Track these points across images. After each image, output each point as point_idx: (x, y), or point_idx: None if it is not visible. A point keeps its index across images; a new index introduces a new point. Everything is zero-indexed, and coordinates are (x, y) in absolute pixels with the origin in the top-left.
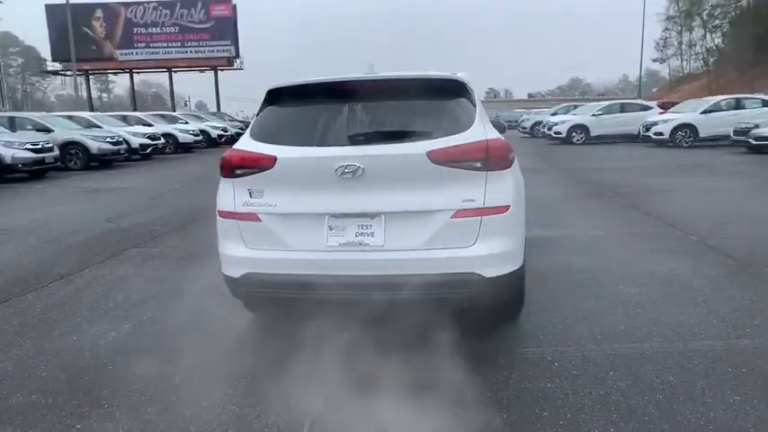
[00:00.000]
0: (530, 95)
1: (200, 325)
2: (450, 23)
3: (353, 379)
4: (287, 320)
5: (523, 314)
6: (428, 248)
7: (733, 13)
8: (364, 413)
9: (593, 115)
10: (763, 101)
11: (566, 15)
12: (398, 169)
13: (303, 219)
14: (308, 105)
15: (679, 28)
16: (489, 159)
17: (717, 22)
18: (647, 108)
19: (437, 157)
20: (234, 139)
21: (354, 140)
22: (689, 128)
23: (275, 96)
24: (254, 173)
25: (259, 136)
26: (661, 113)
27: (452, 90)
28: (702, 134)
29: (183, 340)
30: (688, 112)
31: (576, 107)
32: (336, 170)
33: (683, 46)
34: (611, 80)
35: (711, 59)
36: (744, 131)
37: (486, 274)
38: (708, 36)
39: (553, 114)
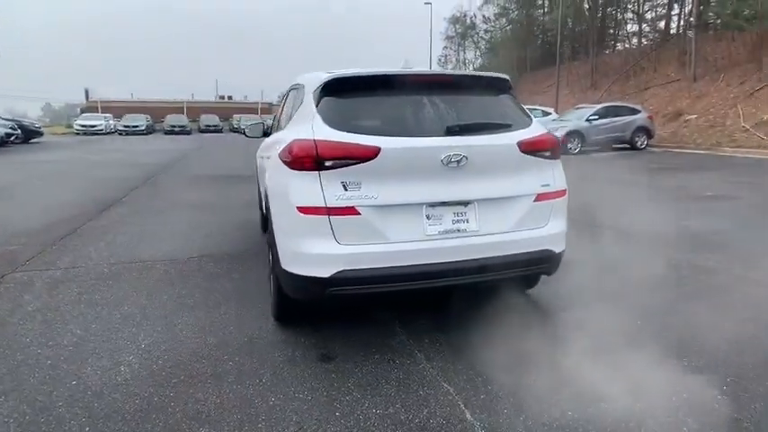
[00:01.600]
0: None
1: None
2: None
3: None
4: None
5: None
6: (515, 230)
7: (499, 37)
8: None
9: (588, 120)
10: (543, 111)
11: (345, 25)
12: (495, 158)
13: (402, 209)
14: (385, 96)
15: (456, 47)
16: (555, 149)
17: (482, 44)
18: (636, 111)
19: (526, 148)
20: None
21: (451, 131)
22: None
23: (344, 86)
24: (351, 164)
25: (340, 125)
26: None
27: (503, 87)
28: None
29: None
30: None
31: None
32: (442, 160)
33: (460, 63)
34: None
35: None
36: None
37: (556, 249)
38: (477, 55)
39: None
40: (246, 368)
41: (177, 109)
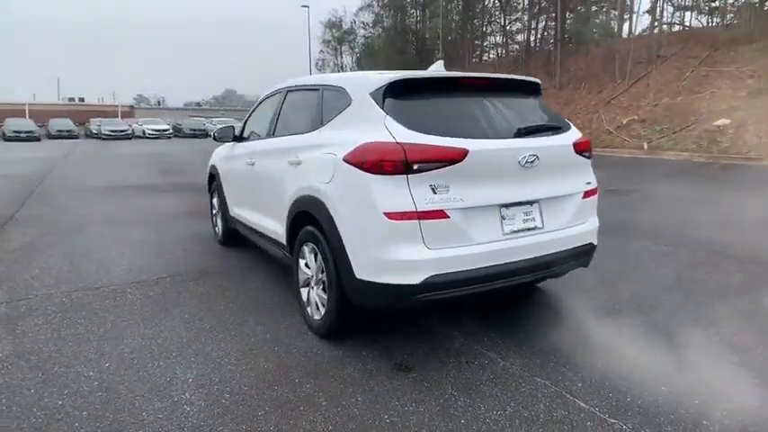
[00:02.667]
0: (186, 105)
1: None
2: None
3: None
4: None
5: None
6: (569, 226)
7: (377, 43)
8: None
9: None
10: None
11: (220, 29)
12: (557, 158)
13: (483, 211)
14: (448, 98)
15: (333, 51)
16: (591, 150)
17: (358, 50)
18: None
19: (578, 148)
20: None
21: (521, 133)
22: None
23: (408, 88)
24: (440, 167)
25: (418, 127)
26: None
27: (537, 90)
28: None
29: None
30: None
31: None
32: (519, 161)
33: (338, 68)
34: (262, 93)
35: None
36: None
37: (595, 242)
38: (353, 60)
39: None
40: (329, 388)
41: (17, 112)
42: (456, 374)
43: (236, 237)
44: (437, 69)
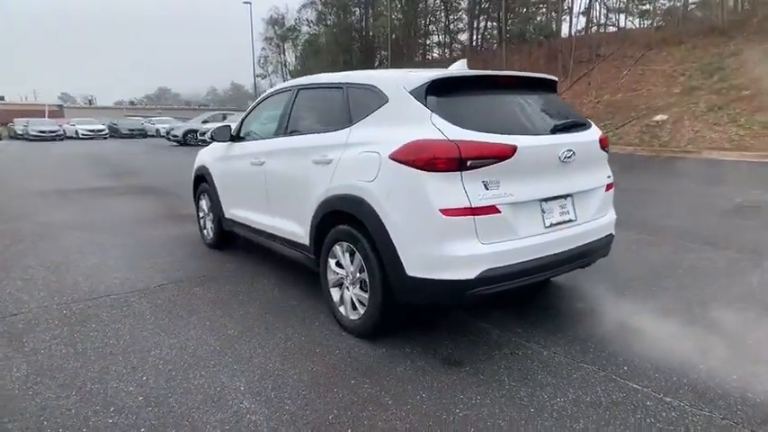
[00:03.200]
0: (116, 104)
1: None
2: None
3: None
4: None
5: None
6: (595, 218)
7: (322, 41)
8: None
9: (204, 122)
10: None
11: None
12: (587, 153)
13: (527, 206)
14: (486, 95)
15: (276, 48)
16: (608, 145)
17: (300, 47)
18: None
19: (602, 144)
20: None
21: (557, 129)
22: (195, 132)
23: (449, 85)
24: (491, 163)
25: (466, 124)
26: None
27: (555, 87)
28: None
29: None
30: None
31: (225, 116)
32: (560, 156)
33: (281, 65)
34: (199, 91)
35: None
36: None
37: (614, 233)
38: (296, 58)
39: (204, 122)
40: (389, 386)
41: None
42: (506, 365)
43: (230, 240)
44: (460, 68)
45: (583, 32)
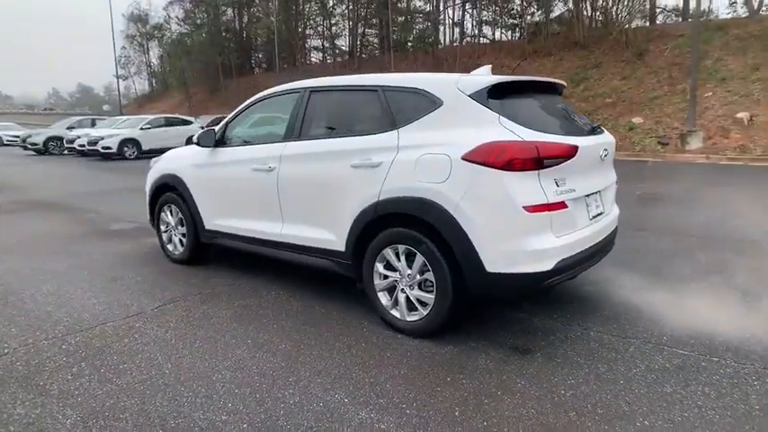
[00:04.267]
0: None
1: None
2: None
3: None
4: None
5: None
6: (611, 211)
7: (194, 41)
8: None
9: (142, 129)
10: (183, 120)
11: None
12: (611, 153)
13: (580, 200)
14: (532, 99)
15: (140, 47)
16: None
17: (168, 47)
18: (188, 122)
19: (614, 145)
20: None
21: (593, 131)
22: (59, 139)
23: (505, 90)
24: (561, 162)
25: (531, 126)
26: (202, 128)
27: (562, 92)
28: (145, 147)
29: None
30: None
31: (94, 122)
32: (600, 155)
33: (145, 65)
34: (34, 94)
35: (180, 80)
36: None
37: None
38: (163, 57)
39: (69, 128)
40: (486, 380)
41: None
42: (570, 348)
43: (204, 253)
44: (484, 73)
45: (456, 42)
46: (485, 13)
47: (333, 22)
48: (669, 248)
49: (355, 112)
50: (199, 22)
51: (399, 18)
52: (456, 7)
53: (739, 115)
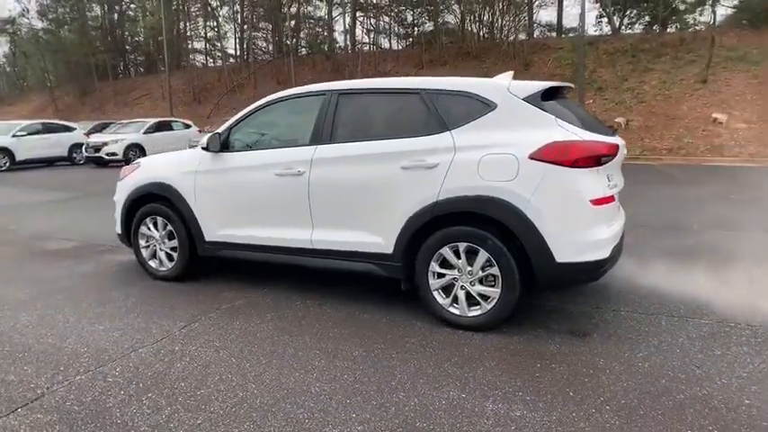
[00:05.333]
0: None
1: None
2: None
3: None
4: None
5: None
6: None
7: (57, 40)
8: None
9: (15, 136)
10: (65, 126)
11: None
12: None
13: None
14: (563, 102)
15: None
16: None
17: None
18: (70, 129)
19: None
20: None
21: (613, 132)
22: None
23: (549, 94)
24: (610, 160)
25: (581, 126)
26: (86, 134)
27: None
28: (20, 158)
29: None
30: None
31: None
32: (624, 154)
33: None
34: None
35: (42, 81)
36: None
37: None
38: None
39: None
40: (572, 365)
41: None
42: (615, 328)
43: (199, 268)
44: (506, 78)
45: (348, 50)
46: (375, 21)
47: (216, 23)
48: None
49: (395, 114)
50: (61, 17)
51: (290, 23)
52: (347, 14)
53: (617, 120)
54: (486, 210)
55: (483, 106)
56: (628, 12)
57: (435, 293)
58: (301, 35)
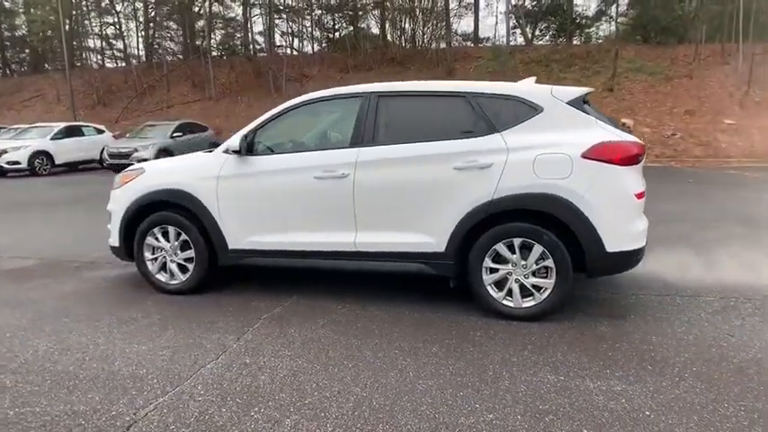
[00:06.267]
0: None
1: None
2: None
3: None
4: None
5: None
6: None
7: None
8: None
9: (53, 139)
10: (97, 129)
11: None
12: None
13: None
14: (591, 107)
15: None
16: None
17: None
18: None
19: None
20: None
21: None
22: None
23: (583, 99)
24: (643, 157)
25: (615, 128)
26: None
27: None
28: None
29: None
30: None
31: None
32: None
33: None
34: None
35: None
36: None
37: None
38: None
39: None
40: (637, 344)
41: None
42: (641, 310)
43: (212, 278)
44: (529, 83)
45: (269, 53)
46: (293, 25)
47: (118, 20)
48: None
49: (440, 117)
50: None
51: (199, 23)
52: (264, 16)
53: (624, 120)
54: (544, 206)
55: (529, 109)
56: (539, 24)
57: (489, 288)
58: (215, 36)
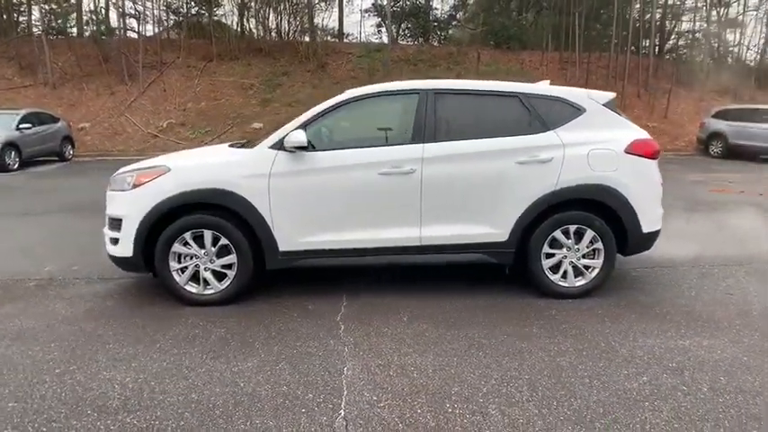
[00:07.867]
0: None
1: None
2: None
3: None
4: None
5: None
6: None
7: None
8: None
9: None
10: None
11: None
12: None
13: None
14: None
15: None
16: None
17: None
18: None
19: None
20: None
21: None
22: None
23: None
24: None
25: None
26: None
27: None
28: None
29: None
30: None
31: None
32: None
33: None
34: None
35: None
36: None
37: None
38: None
39: None
40: (676, 318)
41: None
42: (657, 284)
43: (253, 285)
44: (545, 86)
45: (115, 36)
46: (132, 5)
47: None
48: None
49: (496, 115)
50: None
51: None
52: None
53: None
54: (598, 195)
55: (575, 110)
56: (402, 24)
57: (547, 271)
58: (35, 12)
